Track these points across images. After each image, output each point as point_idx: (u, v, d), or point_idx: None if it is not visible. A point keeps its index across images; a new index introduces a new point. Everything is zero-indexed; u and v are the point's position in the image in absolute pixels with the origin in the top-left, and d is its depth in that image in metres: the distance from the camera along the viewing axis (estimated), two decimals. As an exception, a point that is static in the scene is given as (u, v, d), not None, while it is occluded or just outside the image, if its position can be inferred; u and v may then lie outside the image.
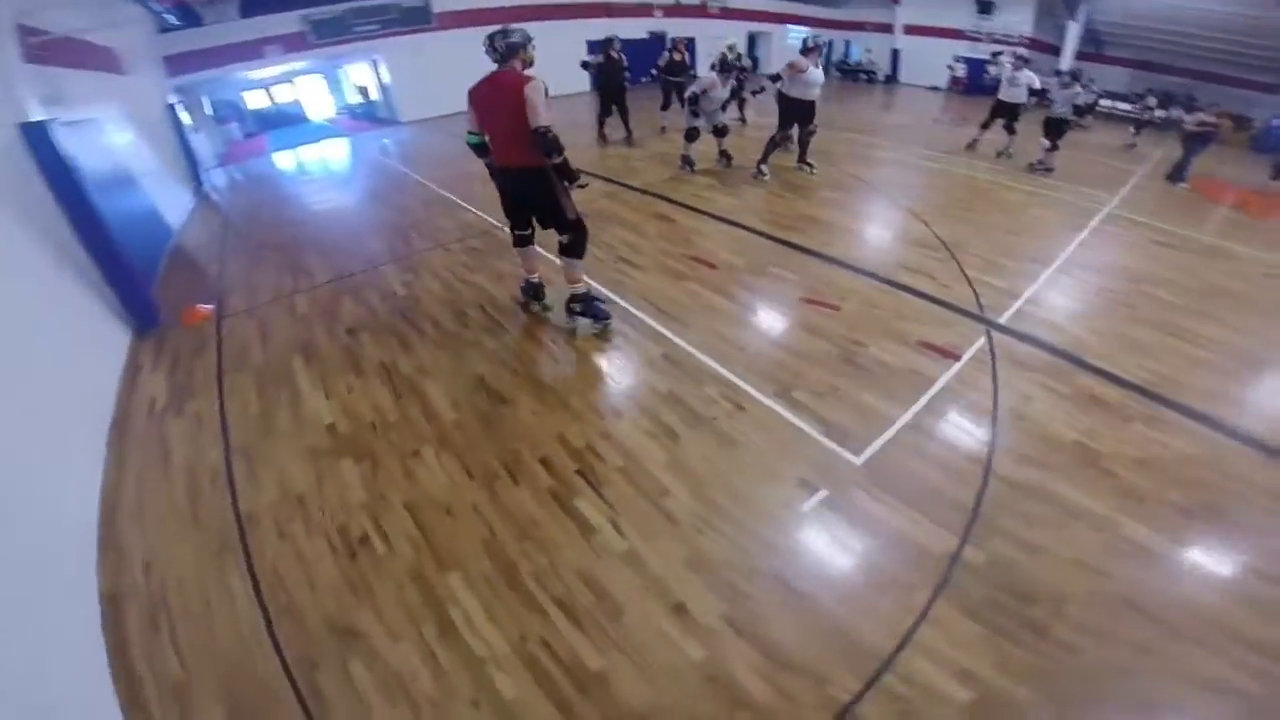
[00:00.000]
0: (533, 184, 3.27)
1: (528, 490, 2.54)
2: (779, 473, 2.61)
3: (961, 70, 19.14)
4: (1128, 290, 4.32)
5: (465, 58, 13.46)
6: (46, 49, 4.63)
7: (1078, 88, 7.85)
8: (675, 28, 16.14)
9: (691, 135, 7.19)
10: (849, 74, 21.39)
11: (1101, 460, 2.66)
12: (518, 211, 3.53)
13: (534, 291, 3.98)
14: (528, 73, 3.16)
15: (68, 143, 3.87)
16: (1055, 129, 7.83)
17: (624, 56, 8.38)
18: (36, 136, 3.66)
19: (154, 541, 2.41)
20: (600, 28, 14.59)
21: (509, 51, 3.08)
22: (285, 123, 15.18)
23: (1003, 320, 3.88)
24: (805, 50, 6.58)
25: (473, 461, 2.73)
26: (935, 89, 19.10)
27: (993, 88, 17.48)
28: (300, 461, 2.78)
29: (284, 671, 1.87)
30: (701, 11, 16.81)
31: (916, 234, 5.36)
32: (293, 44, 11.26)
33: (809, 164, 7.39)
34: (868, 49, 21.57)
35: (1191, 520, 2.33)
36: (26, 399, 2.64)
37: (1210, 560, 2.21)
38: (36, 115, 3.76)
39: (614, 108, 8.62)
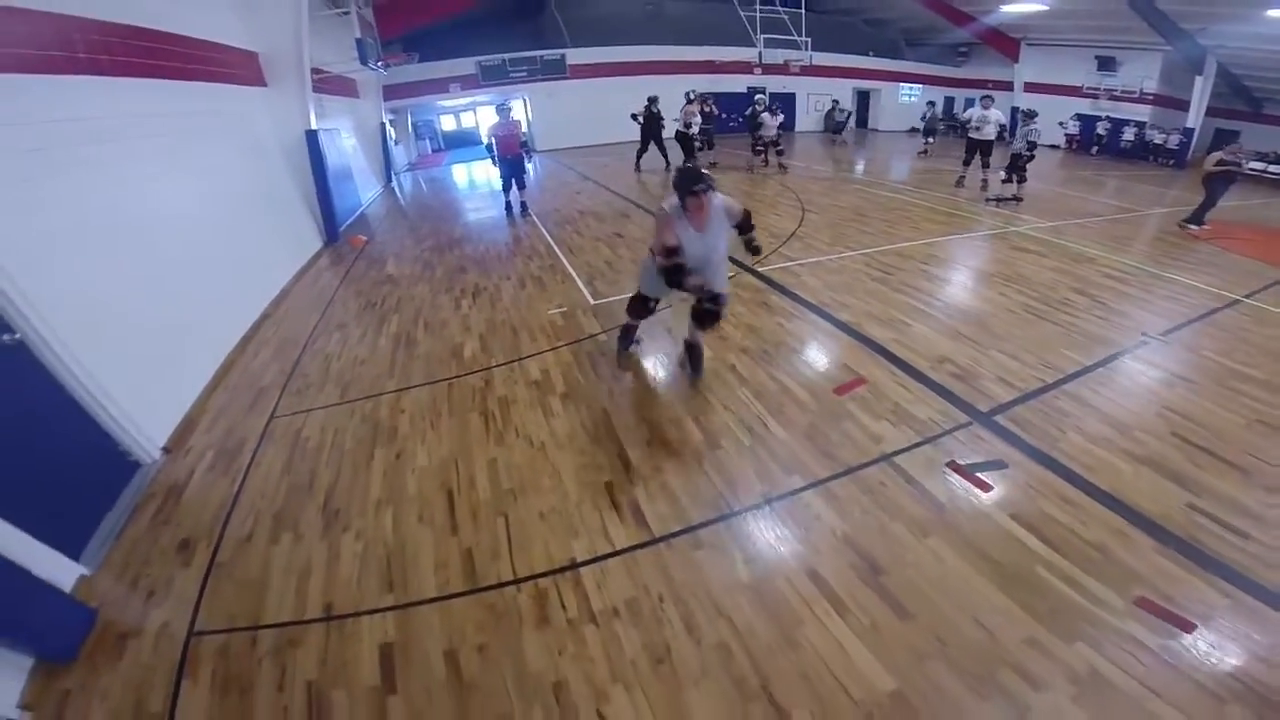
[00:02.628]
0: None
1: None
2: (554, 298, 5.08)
3: (1074, 128, 19.01)
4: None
5: (588, 104, 17.26)
6: (323, 82, 8.51)
7: (1034, 125, 8.79)
8: (775, 84, 18.45)
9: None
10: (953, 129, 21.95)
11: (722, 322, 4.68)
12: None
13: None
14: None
15: (324, 142, 7.54)
16: (1013, 163, 8.91)
17: (659, 110, 11.18)
18: (311, 139, 7.31)
19: (293, 301, 5.49)
20: (704, 82, 17.51)
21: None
22: (463, 143, 20.07)
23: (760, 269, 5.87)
24: (689, 101, 9.91)
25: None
26: (1054, 147, 19.04)
27: (1108, 145, 17.40)
28: (376, 281, 5.77)
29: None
30: (806, 69, 18.88)
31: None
32: (468, 83, 15.66)
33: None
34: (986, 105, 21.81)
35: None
36: (283, 246, 6.13)
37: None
38: (312, 125, 7.41)
39: (650, 146, 11.54)
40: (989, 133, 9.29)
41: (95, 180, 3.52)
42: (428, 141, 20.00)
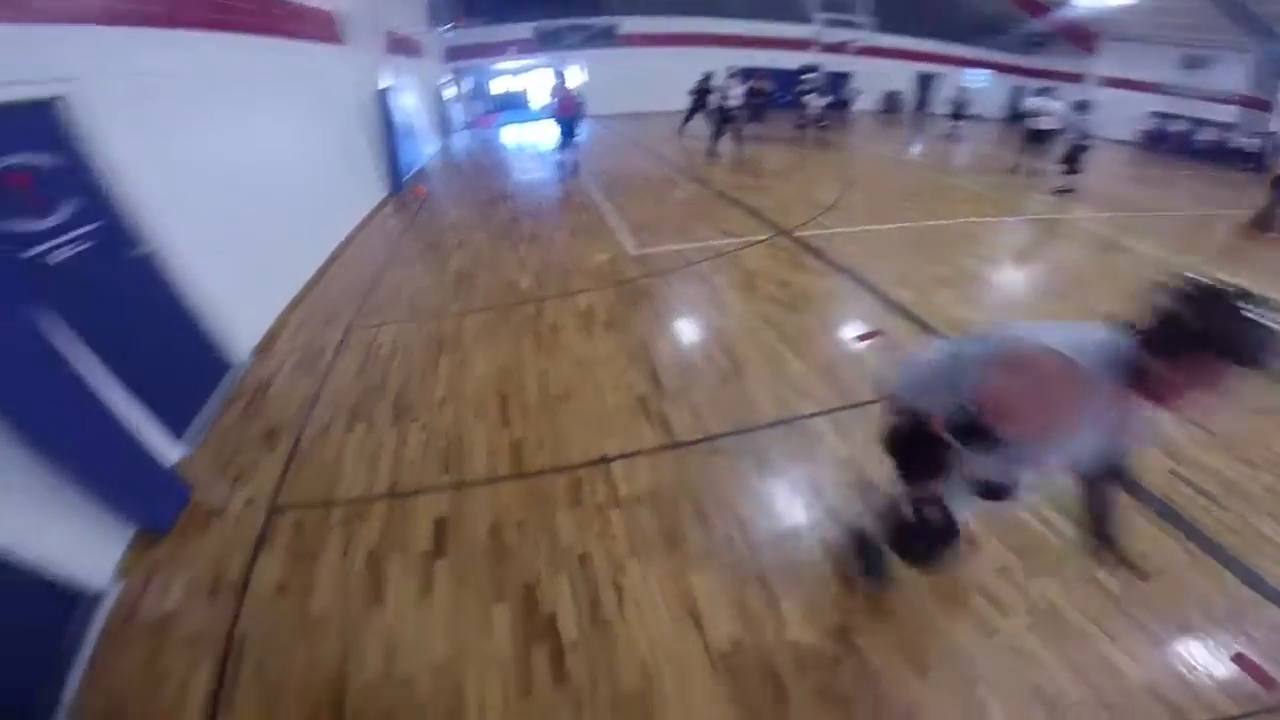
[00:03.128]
0: None
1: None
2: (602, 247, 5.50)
3: (1150, 125, 18.17)
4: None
5: (639, 72, 17.33)
6: (395, 44, 9.00)
7: (1086, 116, 8.58)
8: (832, 63, 18.16)
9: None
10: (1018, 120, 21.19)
11: (755, 277, 4.90)
12: None
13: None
14: None
15: (391, 100, 8.05)
16: (1068, 153, 8.72)
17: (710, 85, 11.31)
18: (382, 96, 7.83)
19: (364, 239, 6.03)
20: (760, 57, 17.40)
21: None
22: (514, 106, 20.42)
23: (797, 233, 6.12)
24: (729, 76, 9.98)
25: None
26: (1123, 143, 18.28)
27: (1183, 145, 16.64)
28: (438, 228, 6.28)
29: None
30: (866, 50, 18.50)
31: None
32: (525, 48, 16.00)
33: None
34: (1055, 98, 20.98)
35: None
36: (355, 192, 6.71)
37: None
38: (385, 84, 7.92)
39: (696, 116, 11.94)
40: (1045, 123, 9.17)
41: (208, 124, 4.03)
42: (481, 103, 20.40)
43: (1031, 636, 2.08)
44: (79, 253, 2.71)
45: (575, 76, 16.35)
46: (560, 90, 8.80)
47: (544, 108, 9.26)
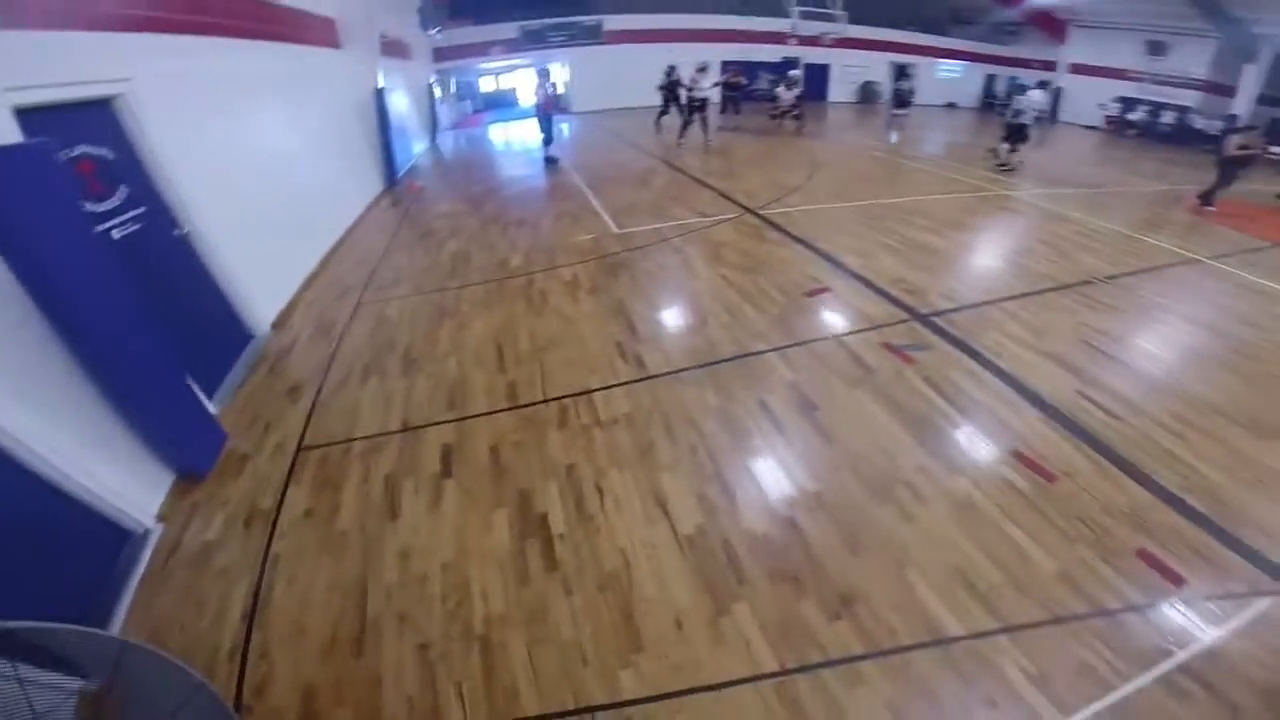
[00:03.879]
0: None
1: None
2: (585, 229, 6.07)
3: (1115, 110, 18.86)
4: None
5: (619, 69, 17.81)
6: (387, 47, 9.51)
7: (1028, 95, 9.33)
8: (808, 55, 18.73)
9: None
10: (998, 109, 21.79)
11: (720, 247, 5.57)
12: None
13: None
14: None
15: (385, 100, 8.56)
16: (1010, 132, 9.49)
17: (677, 78, 11.80)
18: (379, 96, 8.35)
19: (364, 228, 6.56)
20: (738, 50, 17.96)
21: None
22: (500, 105, 20.89)
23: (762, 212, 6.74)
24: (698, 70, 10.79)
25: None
26: (1092, 128, 18.96)
27: (1148, 129, 17.28)
28: (433, 218, 6.81)
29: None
30: (841, 41, 19.04)
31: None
32: (511, 47, 16.50)
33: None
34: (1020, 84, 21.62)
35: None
36: (356, 185, 7.25)
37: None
38: (379, 85, 8.44)
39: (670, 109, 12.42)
40: (1025, 118, 9.60)
41: (231, 120, 4.55)
42: (468, 103, 20.84)
43: (951, 526, 2.49)
44: (131, 233, 3.19)
45: (558, 74, 16.89)
46: (542, 88, 9.36)
47: (533, 106, 9.72)
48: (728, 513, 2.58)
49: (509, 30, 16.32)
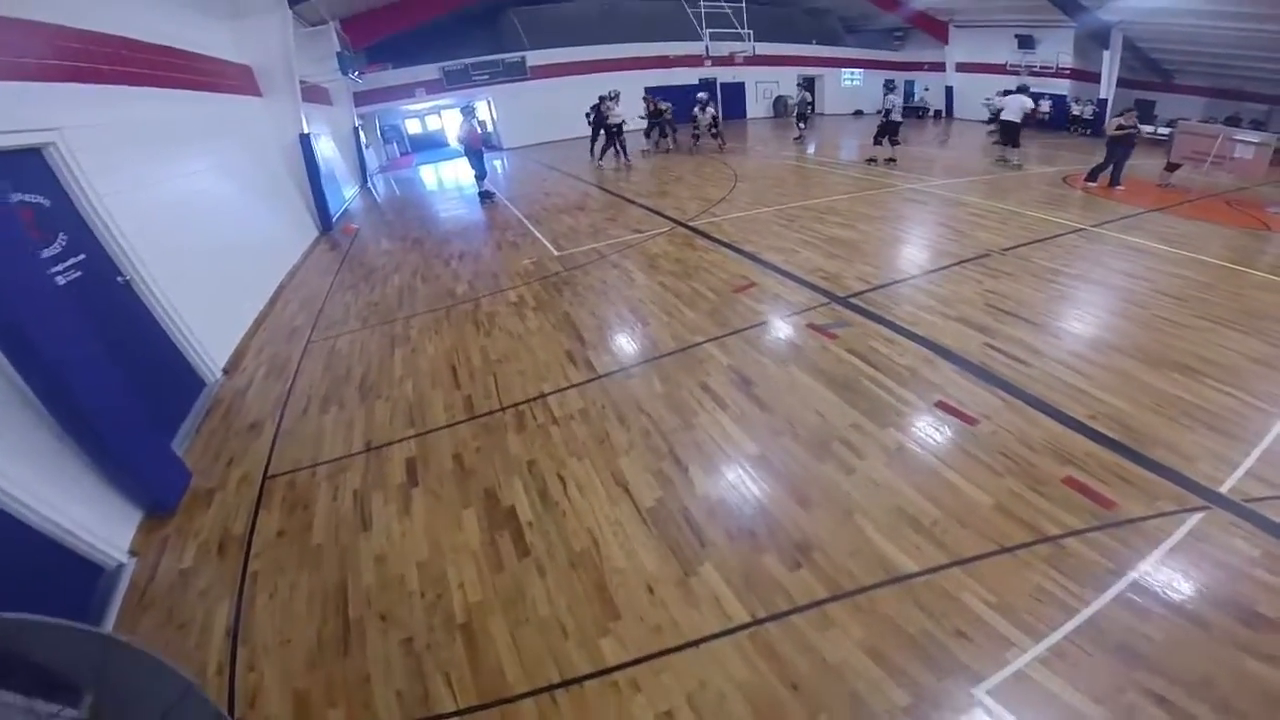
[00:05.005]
0: None
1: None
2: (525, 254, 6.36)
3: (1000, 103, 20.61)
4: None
5: (546, 104, 18.24)
6: (308, 93, 9.55)
7: (891, 95, 10.31)
8: (724, 74, 19.74)
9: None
10: (908, 112, 23.31)
11: (656, 258, 5.85)
12: None
13: None
14: None
15: (311, 145, 8.60)
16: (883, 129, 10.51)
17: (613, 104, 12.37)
18: (304, 141, 8.39)
19: (305, 273, 6.59)
20: (659, 76, 18.78)
21: None
22: (430, 146, 20.97)
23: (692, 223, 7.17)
24: (609, 98, 11.94)
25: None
26: (982, 122, 20.55)
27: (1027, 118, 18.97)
28: (374, 256, 6.88)
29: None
30: (747, 60, 20.20)
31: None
32: (433, 87, 16.69)
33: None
34: (926, 88, 23.21)
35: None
36: (292, 230, 7.27)
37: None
38: (305, 130, 8.48)
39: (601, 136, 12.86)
40: (1007, 115, 10.47)
41: (163, 167, 4.62)
42: (395, 145, 20.83)
43: (888, 473, 2.76)
44: (74, 279, 3.23)
45: (482, 111, 17.19)
46: (467, 123, 9.55)
47: (459, 141, 9.94)
48: (683, 484, 2.81)
49: (430, 71, 16.53)
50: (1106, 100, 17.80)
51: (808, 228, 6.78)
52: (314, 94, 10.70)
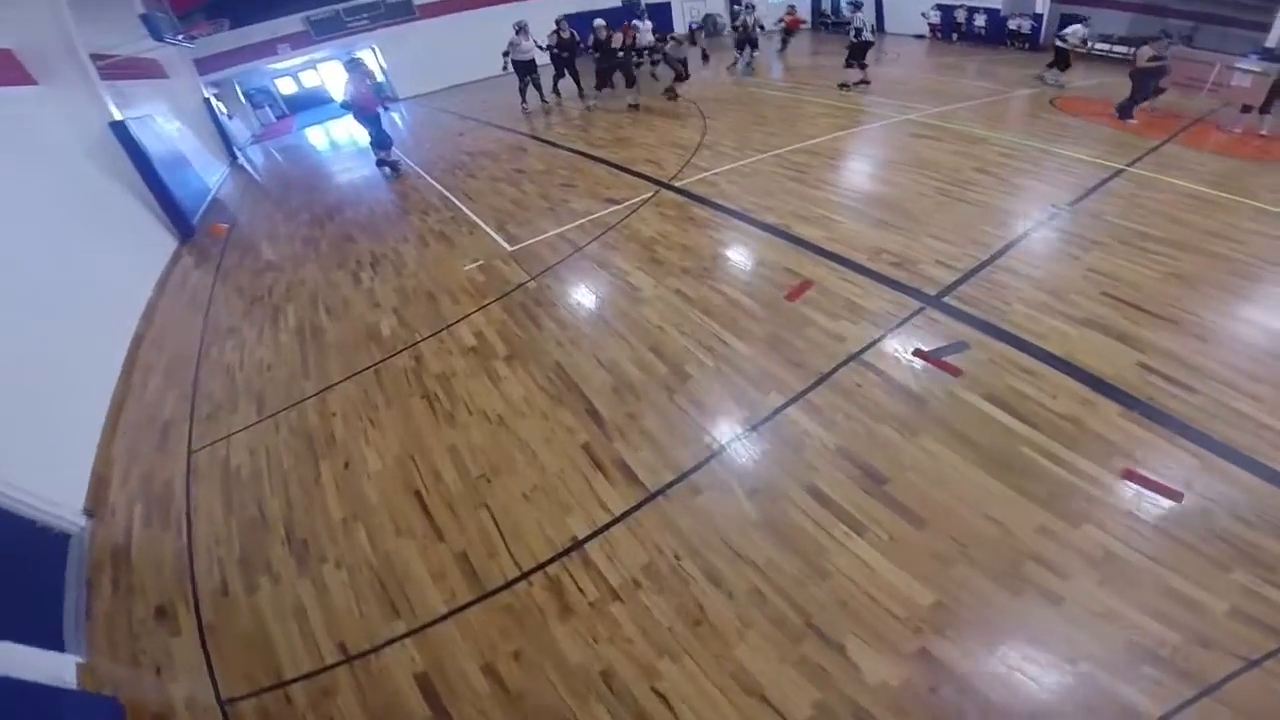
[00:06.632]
0: None
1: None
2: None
3: (935, 17, 19.61)
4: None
5: (445, 43, 15.51)
6: (114, 68, 7.02)
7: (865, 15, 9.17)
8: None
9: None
10: (832, 27, 21.91)
11: (655, 245, 4.49)
12: None
13: None
14: None
15: (138, 133, 6.26)
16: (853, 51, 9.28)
17: (575, 33, 10.10)
18: (120, 131, 6.04)
19: (166, 314, 4.70)
20: (575, 2, 16.26)
21: None
22: (312, 104, 17.67)
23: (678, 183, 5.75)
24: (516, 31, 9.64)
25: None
26: (920, 37, 19.51)
27: (967, 32, 18.10)
28: (255, 272, 5.03)
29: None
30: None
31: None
32: (299, 41, 13.62)
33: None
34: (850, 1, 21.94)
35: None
36: (129, 255, 5.24)
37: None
38: (117, 116, 6.12)
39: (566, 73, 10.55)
40: (1071, 42, 9.28)
41: None
42: (268, 109, 17.45)
43: (1102, 594, 1.94)
44: None
45: (370, 64, 14.30)
46: (356, 84, 7.33)
47: (343, 106, 7.55)
48: (846, 675, 1.77)
49: (293, 23, 13.42)
50: (1043, 15, 17.23)
51: (826, 181, 5.45)
52: (133, 68, 8.07)
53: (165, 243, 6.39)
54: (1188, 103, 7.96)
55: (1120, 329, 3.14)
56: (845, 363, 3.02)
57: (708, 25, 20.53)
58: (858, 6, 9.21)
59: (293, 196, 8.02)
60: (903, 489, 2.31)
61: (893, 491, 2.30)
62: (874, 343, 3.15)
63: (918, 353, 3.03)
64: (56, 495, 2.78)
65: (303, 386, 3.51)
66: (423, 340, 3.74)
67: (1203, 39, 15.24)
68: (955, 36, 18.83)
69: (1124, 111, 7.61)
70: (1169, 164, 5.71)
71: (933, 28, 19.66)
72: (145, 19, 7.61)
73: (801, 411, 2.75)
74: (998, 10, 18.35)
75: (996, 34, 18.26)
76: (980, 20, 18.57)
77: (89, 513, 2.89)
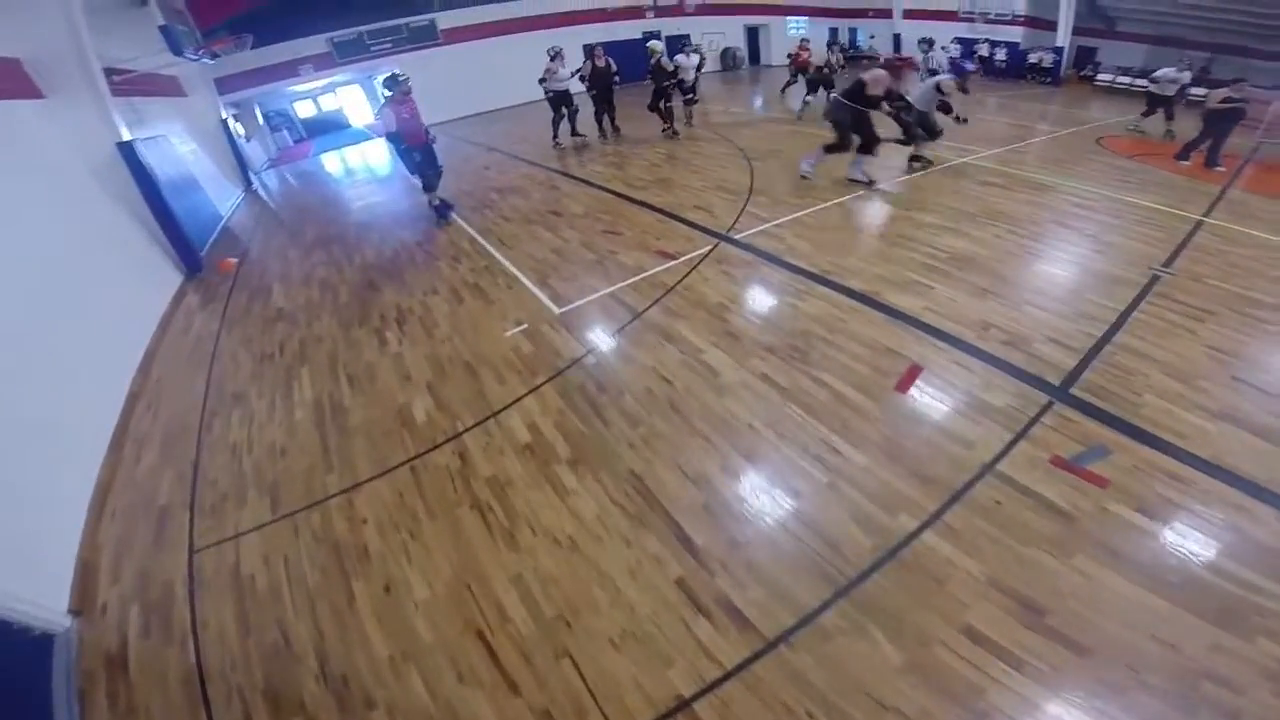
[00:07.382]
0: None
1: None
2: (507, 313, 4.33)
3: (956, 51, 19.52)
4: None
5: (468, 70, 15.38)
6: (130, 83, 6.66)
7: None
8: (669, 26, 17.38)
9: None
10: (853, 60, 21.94)
11: (726, 313, 3.95)
12: None
13: None
14: None
15: (147, 155, 5.84)
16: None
17: (611, 62, 9.34)
18: (128, 152, 5.63)
19: (165, 366, 4.21)
20: (597, 32, 16.15)
21: None
22: (330, 129, 17.49)
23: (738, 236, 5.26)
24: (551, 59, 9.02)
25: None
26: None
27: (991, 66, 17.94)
28: (266, 321, 4.54)
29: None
30: (697, 9, 17.95)
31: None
32: (322, 63, 13.42)
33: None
34: (872, 35, 22.03)
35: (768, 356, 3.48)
36: (130, 295, 4.85)
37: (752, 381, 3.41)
38: (126, 136, 5.72)
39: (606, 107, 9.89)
40: (1165, 88, 8.90)
41: None
42: (286, 133, 17.28)
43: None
44: None
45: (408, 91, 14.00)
46: (398, 108, 6.03)
47: (389, 138, 6.31)
48: None
49: (316, 44, 13.24)
50: (1064, 48, 17.11)
51: (907, 236, 4.98)
52: (150, 84, 7.74)
53: (169, 279, 5.94)
54: (1236, 140, 7.50)
55: (1258, 422, 2.71)
56: (979, 477, 2.51)
57: (726, 59, 20.48)
58: (930, 45, 8.28)
59: (308, 229, 7.59)
60: (1062, 618, 1.93)
61: (1052, 621, 1.92)
62: (1007, 450, 2.64)
63: (1055, 460, 2.54)
64: (34, 591, 2.33)
65: (324, 482, 2.96)
66: (466, 431, 3.18)
67: (1220, 70, 15.08)
68: (979, 71, 18.74)
69: (1184, 153, 7.32)
70: (1241, 212, 5.39)
71: (952, 61, 19.62)
72: (165, 31, 7.26)
73: (938, 536, 2.25)
74: (1017, 44, 18.34)
75: (1015, 68, 18.19)
76: (1001, 54, 18.52)
77: (75, 612, 2.42)
